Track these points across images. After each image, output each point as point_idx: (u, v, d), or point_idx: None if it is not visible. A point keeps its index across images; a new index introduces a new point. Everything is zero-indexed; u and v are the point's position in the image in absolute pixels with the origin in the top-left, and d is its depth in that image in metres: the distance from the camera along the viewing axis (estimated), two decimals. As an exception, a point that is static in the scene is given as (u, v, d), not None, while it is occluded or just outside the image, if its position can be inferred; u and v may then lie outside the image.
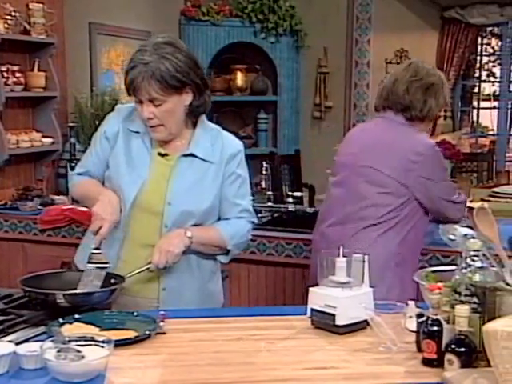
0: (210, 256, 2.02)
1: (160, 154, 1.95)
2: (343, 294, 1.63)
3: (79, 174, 2.05)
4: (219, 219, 2.00)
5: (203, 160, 1.95)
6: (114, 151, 1.96)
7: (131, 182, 1.91)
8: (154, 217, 1.92)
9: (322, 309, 1.65)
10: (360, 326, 1.64)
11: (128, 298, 1.90)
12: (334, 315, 1.63)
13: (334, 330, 1.62)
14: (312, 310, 1.68)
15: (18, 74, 3.59)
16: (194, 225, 1.94)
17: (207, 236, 1.96)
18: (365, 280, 1.68)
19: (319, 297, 1.66)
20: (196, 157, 1.95)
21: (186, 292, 1.98)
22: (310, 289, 1.70)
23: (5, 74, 3.49)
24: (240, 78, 5.56)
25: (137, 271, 1.87)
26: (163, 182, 1.93)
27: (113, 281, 1.81)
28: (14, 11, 3.56)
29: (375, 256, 1.86)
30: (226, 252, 2.01)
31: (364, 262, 1.67)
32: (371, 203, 2.28)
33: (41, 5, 3.67)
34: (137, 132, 1.96)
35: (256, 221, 2.11)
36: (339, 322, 1.62)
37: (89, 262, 1.82)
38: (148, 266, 1.88)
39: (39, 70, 3.72)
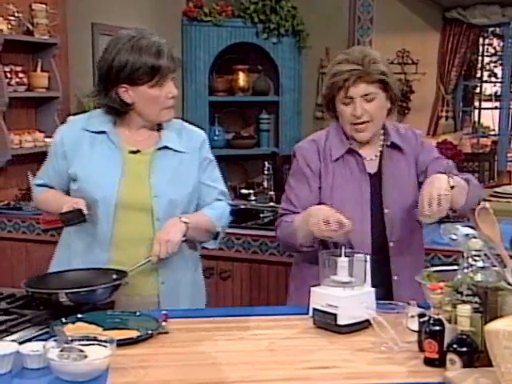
0: (193, 246, 2.06)
1: (132, 152, 1.98)
2: (345, 294, 1.64)
3: (39, 185, 2.10)
4: (197, 206, 2.05)
5: (176, 151, 2.01)
6: (78, 164, 1.97)
7: (108, 186, 1.93)
8: (143, 213, 1.94)
9: (324, 308, 1.65)
10: (362, 326, 1.64)
11: (128, 297, 1.90)
12: (335, 315, 1.63)
13: (335, 330, 1.63)
14: (314, 309, 1.69)
15: (20, 75, 3.60)
16: (182, 214, 1.97)
17: (199, 220, 2.00)
18: (367, 280, 1.68)
19: (321, 296, 1.67)
20: (169, 149, 2.00)
21: (182, 284, 2.01)
22: (312, 288, 1.71)
23: (8, 75, 3.51)
24: (242, 79, 5.57)
25: (138, 265, 1.89)
26: (144, 177, 1.95)
27: (115, 276, 1.81)
28: (17, 12, 3.58)
29: None
30: (215, 236, 2.06)
31: (366, 261, 1.67)
32: None
33: (44, 5, 3.69)
34: (103, 132, 1.98)
35: (232, 203, 2.18)
36: (341, 321, 1.63)
37: None
38: (149, 258, 1.89)
39: (42, 70, 3.73)
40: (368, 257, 1.69)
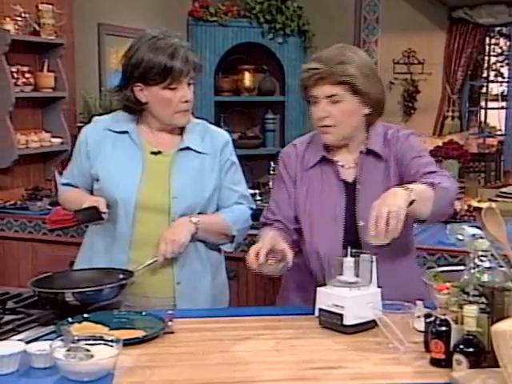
0: (215, 247, 2.05)
1: (153, 153, 1.98)
2: (351, 294, 1.64)
3: (64, 184, 2.13)
4: (217, 209, 2.04)
5: (198, 152, 1.99)
6: (100, 162, 1.98)
7: (128, 187, 1.93)
8: (162, 214, 1.94)
9: (330, 309, 1.65)
10: (368, 326, 1.64)
11: (143, 299, 1.91)
12: (341, 315, 1.63)
13: (341, 330, 1.62)
14: (320, 309, 1.69)
15: (27, 75, 3.61)
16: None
17: (212, 221, 1.99)
18: (373, 280, 1.68)
19: (327, 296, 1.67)
20: (191, 150, 1.99)
21: (199, 285, 2.00)
22: (318, 288, 1.70)
23: (15, 75, 3.52)
24: (248, 79, 5.57)
25: (145, 264, 1.89)
26: (164, 178, 1.95)
27: (121, 276, 1.82)
28: (24, 12, 3.59)
29: None
30: (231, 240, 2.05)
31: (372, 261, 1.67)
32: None
33: (50, 6, 3.70)
34: (125, 132, 1.99)
35: (254, 207, 2.15)
36: (347, 321, 1.62)
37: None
38: (155, 258, 1.90)
39: (48, 70, 3.74)
40: (374, 257, 1.68)
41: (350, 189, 1.89)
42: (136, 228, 1.94)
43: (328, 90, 1.82)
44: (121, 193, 1.93)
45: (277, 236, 1.81)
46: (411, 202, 1.61)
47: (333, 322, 1.65)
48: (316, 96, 1.84)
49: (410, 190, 1.63)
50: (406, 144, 1.88)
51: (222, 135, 2.08)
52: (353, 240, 1.82)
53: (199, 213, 1.97)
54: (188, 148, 1.98)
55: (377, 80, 1.88)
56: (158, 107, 1.94)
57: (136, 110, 1.98)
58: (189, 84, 1.94)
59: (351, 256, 1.66)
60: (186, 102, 1.94)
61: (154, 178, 1.95)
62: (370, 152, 1.89)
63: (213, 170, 2.01)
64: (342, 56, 1.83)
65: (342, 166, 1.91)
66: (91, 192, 2.04)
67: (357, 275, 1.66)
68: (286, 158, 1.98)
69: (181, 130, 2.01)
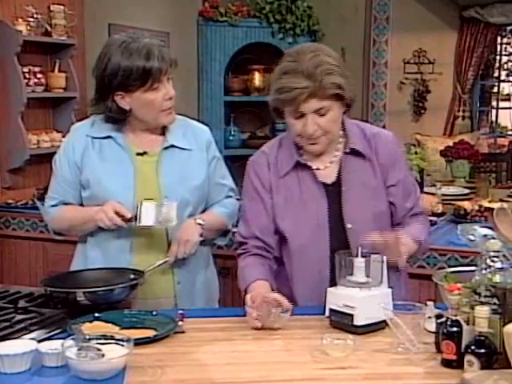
0: (206, 242, 2.06)
1: (139, 154, 1.97)
2: (361, 294, 1.63)
3: (53, 205, 2.02)
4: (207, 204, 2.05)
5: (182, 149, 1.99)
6: (89, 170, 1.95)
7: (122, 190, 1.92)
8: None
9: (340, 309, 1.65)
10: (378, 327, 1.63)
11: (145, 301, 1.91)
12: (352, 315, 1.62)
13: (352, 330, 1.62)
14: (330, 310, 1.68)
15: (39, 75, 3.64)
16: (191, 214, 1.97)
17: (213, 220, 2.01)
18: (384, 280, 1.67)
19: (337, 297, 1.66)
20: (176, 147, 1.99)
21: (196, 282, 2.02)
22: (328, 289, 1.70)
23: (26, 75, 3.54)
24: (257, 79, 5.57)
25: (156, 265, 1.90)
26: (153, 178, 1.95)
27: (132, 276, 1.82)
28: (36, 13, 3.61)
29: None
30: (224, 234, 2.08)
31: (383, 262, 1.67)
32: None
33: (62, 7, 3.72)
34: (108, 137, 1.97)
35: (239, 197, 2.14)
36: (357, 322, 1.62)
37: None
38: (167, 258, 1.91)
39: (60, 70, 3.76)
40: (385, 257, 1.68)
41: (331, 191, 1.82)
42: (133, 230, 1.92)
43: (317, 104, 1.72)
44: (117, 197, 1.90)
45: (262, 286, 1.74)
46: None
47: (343, 323, 1.64)
48: (302, 111, 1.74)
49: (405, 247, 1.75)
50: (392, 153, 1.86)
51: (204, 131, 2.08)
52: (340, 243, 1.77)
53: (192, 213, 1.97)
54: (172, 146, 1.98)
55: (348, 75, 1.77)
56: (143, 110, 1.91)
57: (119, 119, 1.94)
58: (168, 79, 1.91)
59: (362, 256, 1.65)
60: (170, 98, 1.92)
61: (144, 179, 1.95)
62: (352, 152, 1.84)
63: (200, 166, 2.01)
64: (324, 65, 1.71)
65: (318, 169, 1.84)
66: (82, 205, 1.99)
67: (367, 275, 1.65)
68: (257, 166, 1.87)
69: (163, 129, 2.00)
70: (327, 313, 1.70)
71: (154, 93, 1.88)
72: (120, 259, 1.92)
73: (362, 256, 1.65)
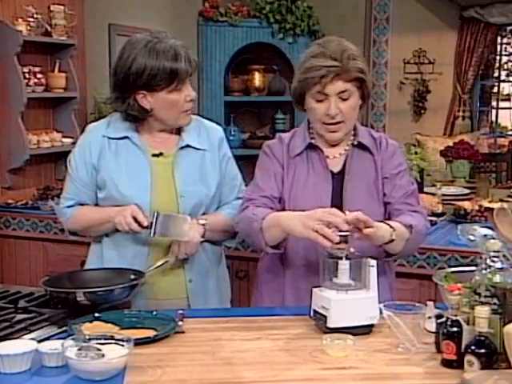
0: (217, 242, 2.07)
1: (154, 155, 1.97)
2: (336, 297, 1.61)
3: (69, 206, 2.02)
4: (219, 204, 2.05)
5: (197, 149, 2.00)
6: (105, 171, 1.94)
7: (138, 191, 1.92)
8: None
9: (319, 310, 1.64)
10: (360, 331, 1.60)
11: (158, 302, 1.91)
12: (325, 317, 1.61)
13: (327, 332, 1.58)
14: (313, 310, 1.67)
15: (39, 75, 3.64)
16: (203, 214, 1.98)
17: (216, 221, 2.00)
18: (371, 284, 1.65)
19: (318, 298, 1.65)
20: (191, 147, 1.99)
21: (208, 280, 2.02)
22: (313, 290, 1.69)
23: (26, 75, 3.54)
24: (257, 79, 5.57)
25: (156, 265, 1.90)
26: (169, 179, 1.95)
27: (132, 277, 1.82)
28: (36, 13, 3.61)
29: None
30: (233, 236, 2.07)
31: (371, 266, 1.65)
32: None
33: (62, 7, 3.72)
34: (124, 137, 1.97)
35: None
36: (330, 324, 1.60)
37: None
38: (167, 259, 1.91)
39: (60, 70, 3.76)
40: (374, 261, 1.66)
41: (336, 179, 1.91)
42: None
43: (341, 87, 1.82)
44: (135, 198, 1.91)
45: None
46: (390, 241, 1.75)
47: (320, 324, 1.64)
48: (327, 93, 1.82)
49: (393, 229, 1.75)
50: (395, 159, 1.94)
51: (217, 130, 2.08)
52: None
53: (204, 212, 1.98)
54: (187, 146, 1.99)
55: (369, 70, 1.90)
56: (164, 111, 1.92)
57: (139, 117, 1.95)
58: (189, 82, 1.93)
59: (346, 259, 1.64)
60: (191, 100, 1.93)
61: (160, 179, 1.95)
62: (358, 145, 1.94)
63: (214, 166, 2.01)
64: (348, 50, 1.83)
65: (328, 157, 1.93)
66: (96, 205, 2.00)
67: (353, 279, 1.64)
68: (273, 146, 1.96)
69: (178, 128, 2.01)
70: (312, 313, 1.69)
71: (177, 94, 1.89)
72: (135, 263, 1.92)
73: (347, 258, 1.64)
